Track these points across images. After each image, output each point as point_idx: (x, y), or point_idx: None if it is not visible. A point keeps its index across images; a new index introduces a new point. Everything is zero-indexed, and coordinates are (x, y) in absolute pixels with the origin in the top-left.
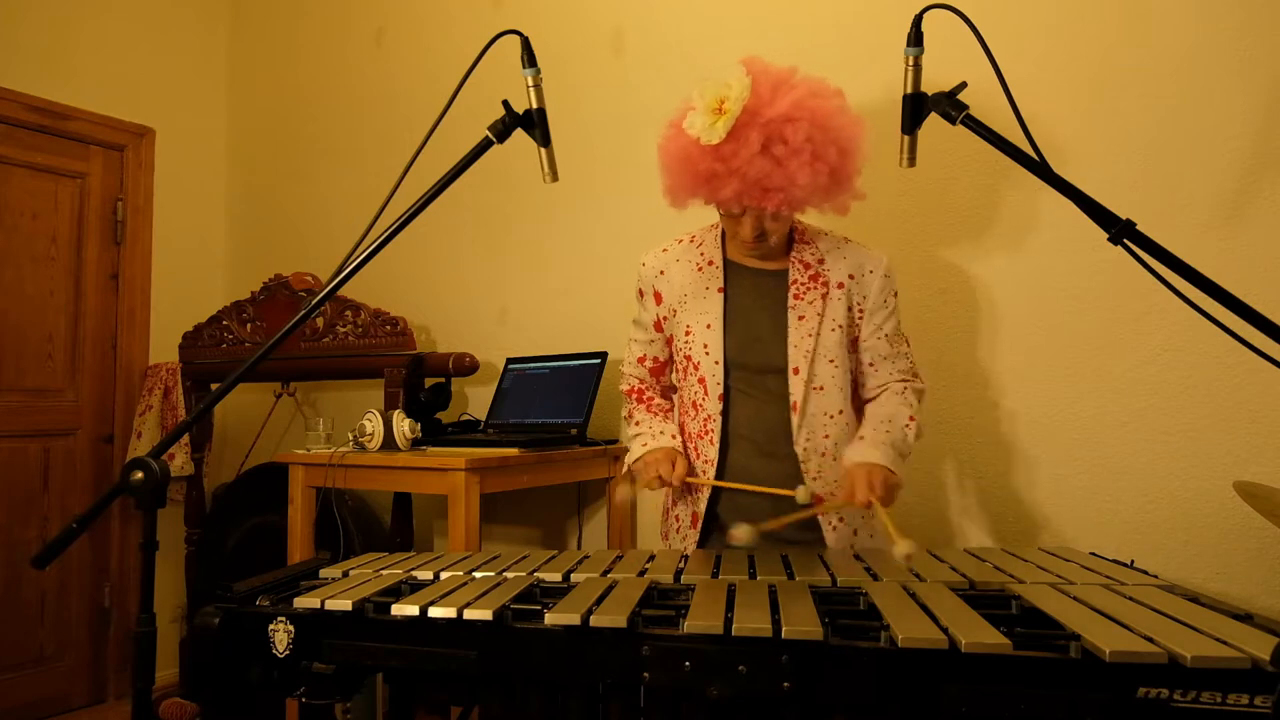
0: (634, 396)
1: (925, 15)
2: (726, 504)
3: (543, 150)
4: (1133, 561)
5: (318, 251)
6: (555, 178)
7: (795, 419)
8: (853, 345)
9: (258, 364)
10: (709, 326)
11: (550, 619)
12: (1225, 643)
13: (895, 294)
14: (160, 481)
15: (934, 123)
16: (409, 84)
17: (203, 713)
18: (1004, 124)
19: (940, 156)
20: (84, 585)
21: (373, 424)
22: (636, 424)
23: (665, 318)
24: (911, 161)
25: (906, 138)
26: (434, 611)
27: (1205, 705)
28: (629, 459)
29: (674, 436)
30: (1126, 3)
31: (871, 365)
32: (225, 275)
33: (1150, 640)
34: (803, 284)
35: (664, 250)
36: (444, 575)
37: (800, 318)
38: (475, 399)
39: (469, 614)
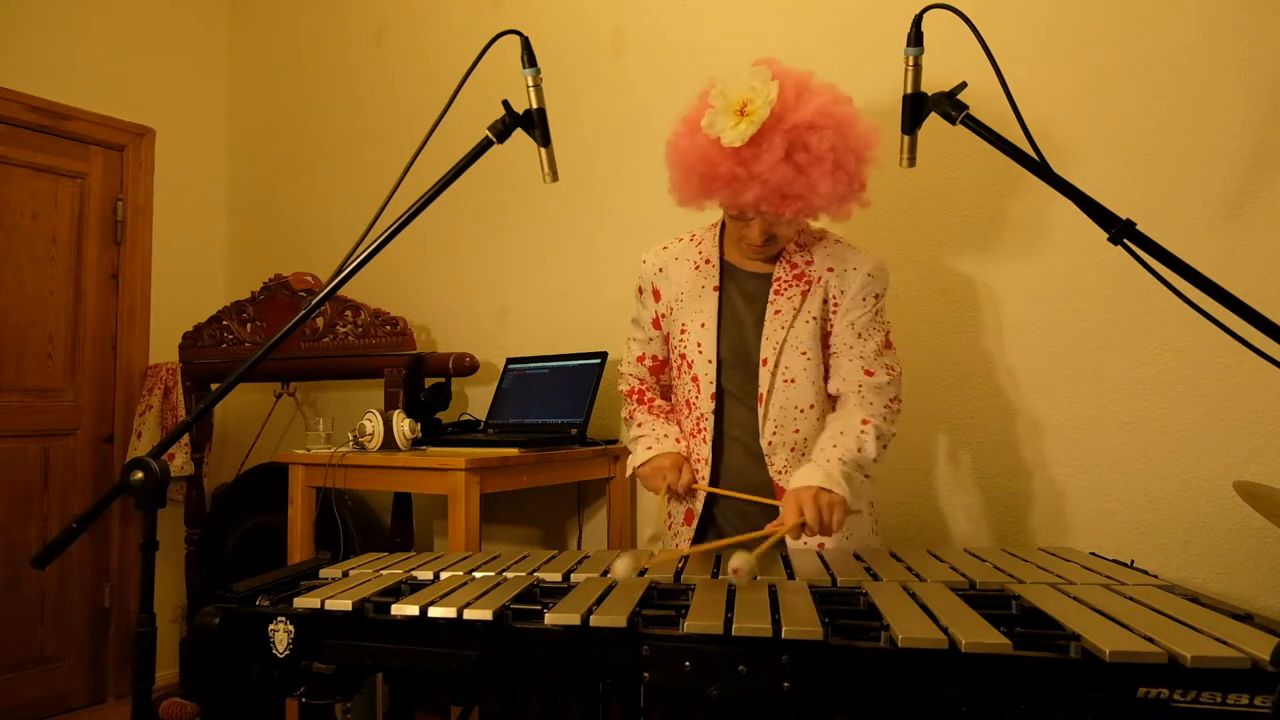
0: (634, 397)
1: (925, 15)
2: (724, 503)
3: (542, 150)
4: (1133, 561)
5: (318, 251)
6: (555, 178)
7: (761, 410)
8: (826, 339)
9: (258, 364)
10: (703, 326)
11: (550, 619)
12: (1225, 643)
13: (878, 296)
14: (160, 481)
15: (934, 123)
16: (409, 84)
17: (203, 713)
18: (1004, 124)
19: (940, 157)
20: (84, 585)
21: (373, 424)
22: (638, 425)
23: (663, 315)
24: (911, 162)
25: (906, 138)
26: (434, 611)
27: (1205, 705)
28: (632, 462)
29: (677, 440)
30: (1126, 3)
31: (835, 354)
32: (225, 275)
33: (1150, 640)
34: (785, 281)
35: (664, 248)
36: (444, 575)
37: (777, 312)
38: (475, 399)
39: (469, 614)
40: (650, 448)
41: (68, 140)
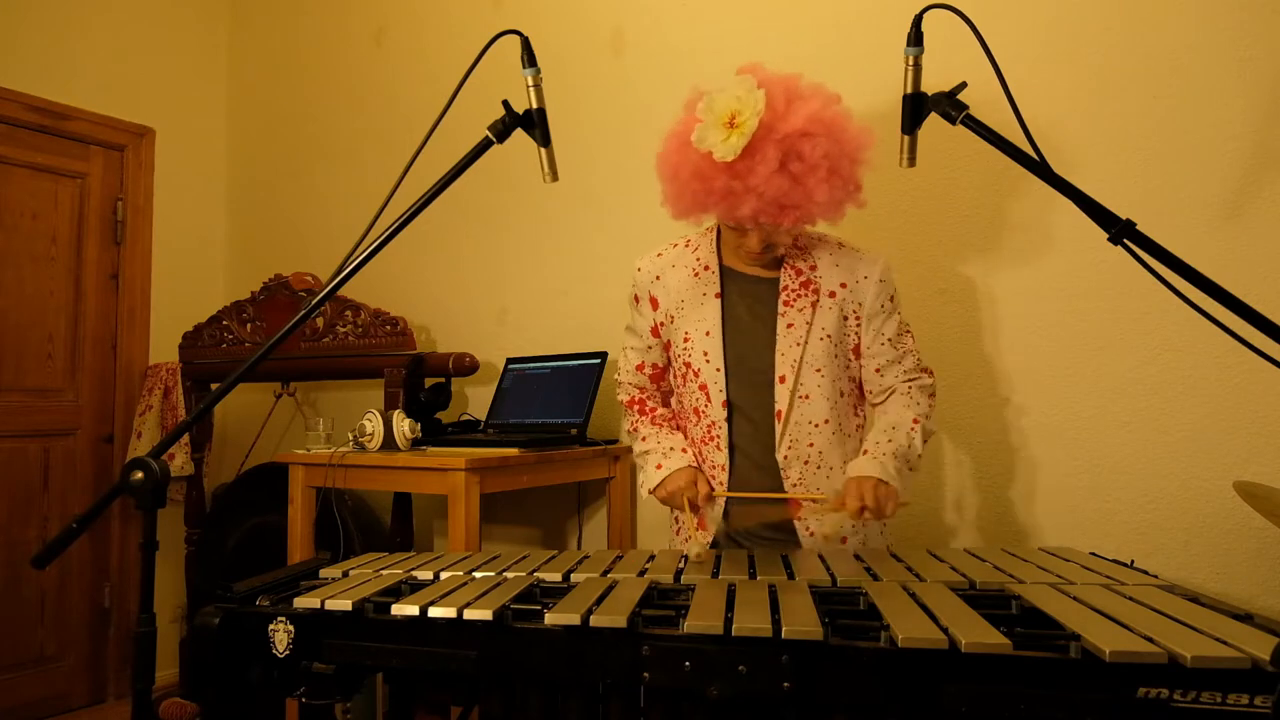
0: (636, 408)
1: (925, 15)
2: (737, 512)
3: (542, 150)
4: (1133, 561)
5: (318, 251)
6: (555, 178)
7: (779, 427)
8: (854, 353)
9: (258, 364)
10: (708, 334)
11: (550, 619)
12: (1225, 643)
13: (892, 298)
14: (160, 481)
15: (934, 123)
16: (409, 84)
17: (203, 713)
18: (1004, 124)
19: (940, 157)
20: (84, 585)
21: (373, 424)
22: (643, 440)
23: (662, 323)
24: (911, 162)
25: (906, 138)
26: (434, 611)
27: (1205, 705)
28: (647, 484)
29: (685, 450)
30: (1126, 3)
31: (878, 371)
32: (225, 275)
33: (1150, 640)
34: (793, 290)
35: (659, 255)
36: (444, 575)
37: (789, 325)
38: (475, 399)
39: (469, 614)
40: (660, 465)
41: (68, 140)
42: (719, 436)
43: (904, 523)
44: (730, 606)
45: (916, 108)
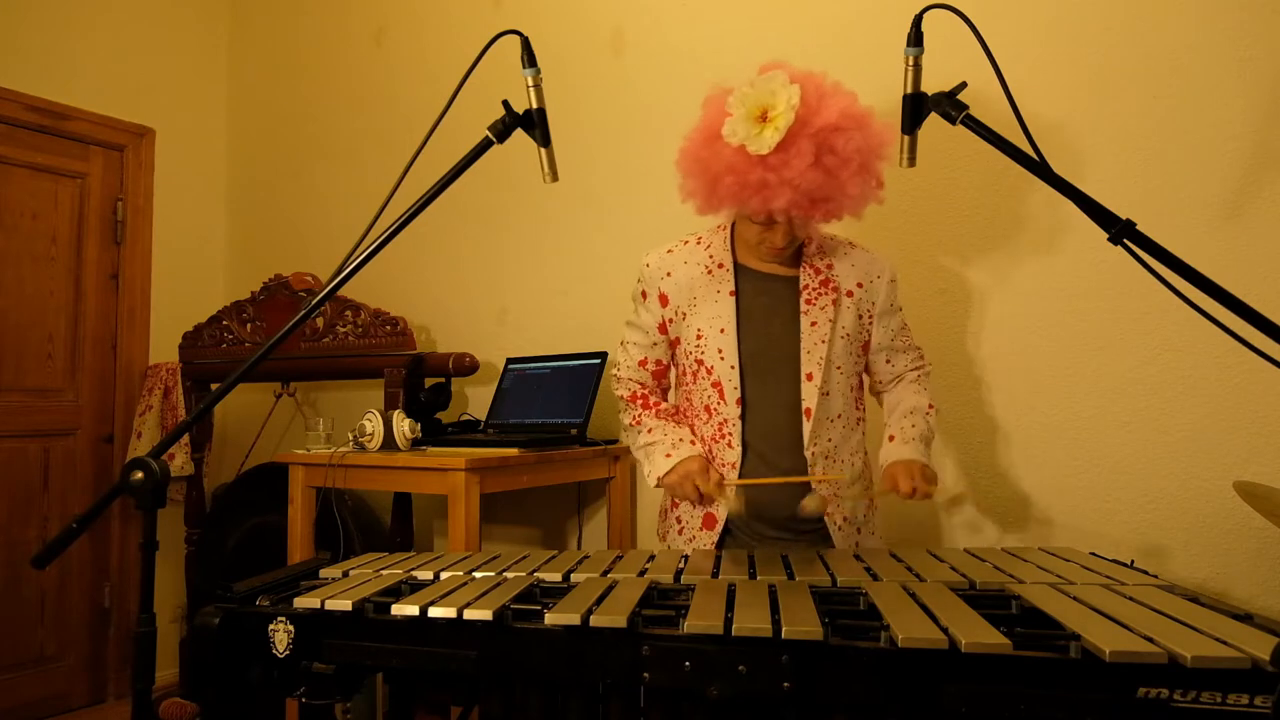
0: (638, 401)
1: (925, 15)
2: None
3: (542, 150)
4: (1133, 561)
5: (318, 251)
6: (555, 178)
7: (808, 425)
8: (862, 349)
9: (258, 364)
10: (722, 330)
11: (550, 619)
12: (1225, 643)
13: (897, 295)
14: (160, 481)
15: (934, 123)
16: (409, 84)
17: (203, 713)
18: (1004, 124)
19: (940, 157)
20: (84, 585)
21: (373, 424)
22: (648, 431)
23: (671, 320)
24: (911, 162)
25: (906, 138)
26: (434, 611)
27: (1205, 705)
28: (655, 471)
29: (693, 441)
30: (1126, 3)
31: (889, 362)
32: (225, 275)
33: (1150, 640)
34: (814, 289)
35: (669, 251)
36: (444, 575)
37: (813, 324)
38: (475, 399)
39: (469, 614)
40: (669, 454)
41: (68, 140)
42: (731, 434)
43: (904, 523)
44: (730, 606)
45: (916, 108)
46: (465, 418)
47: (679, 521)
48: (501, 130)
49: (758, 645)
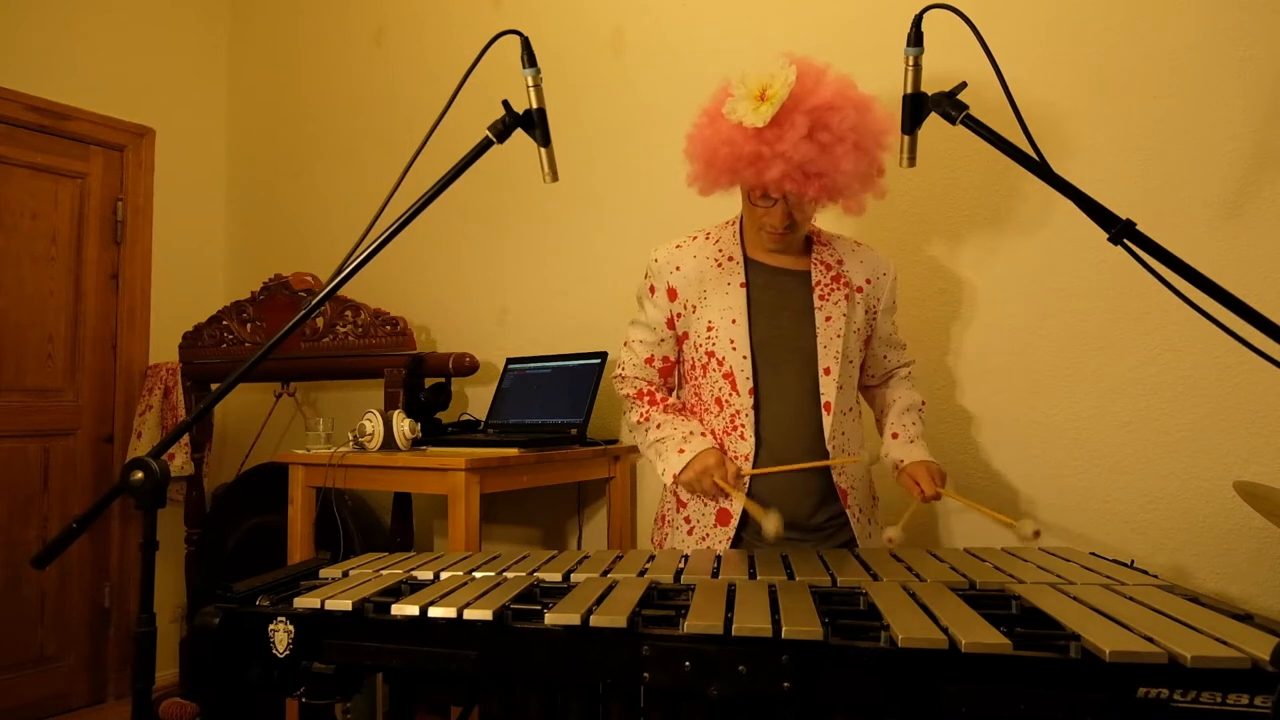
0: (645, 399)
1: (925, 15)
2: (757, 498)
3: (542, 150)
4: (1133, 561)
5: (318, 251)
6: (555, 178)
7: (829, 419)
8: (865, 343)
9: (258, 364)
10: (734, 322)
11: (550, 619)
12: (1225, 643)
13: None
14: (160, 481)
15: (934, 123)
16: (409, 84)
17: (203, 713)
18: (1004, 124)
19: (940, 157)
20: (84, 585)
21: (373, 424)
22: (658, 428)
23: (679, 314)
24: (911, 162)
25: (906, 138)
26: (434, 611)
27: (1205, 705)
28: (669, 469)
29: (704, 434)
30: (1126, 3)
31: (885, 357)
32: (225, 275)
33: (1150, 640)
34: (826, 285)
35: (677, 246)
36: (444, 575)
37: (827, 319)
38: (475, 399)
39: (469, 614)
40: (683, 450)
41: (68, 140)
42: (744, 425)
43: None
44: (730, 606)
45: (916, 108)
46: (465, 418)
47: (687, 521)
48: (501, 130)
49: (758, 645)
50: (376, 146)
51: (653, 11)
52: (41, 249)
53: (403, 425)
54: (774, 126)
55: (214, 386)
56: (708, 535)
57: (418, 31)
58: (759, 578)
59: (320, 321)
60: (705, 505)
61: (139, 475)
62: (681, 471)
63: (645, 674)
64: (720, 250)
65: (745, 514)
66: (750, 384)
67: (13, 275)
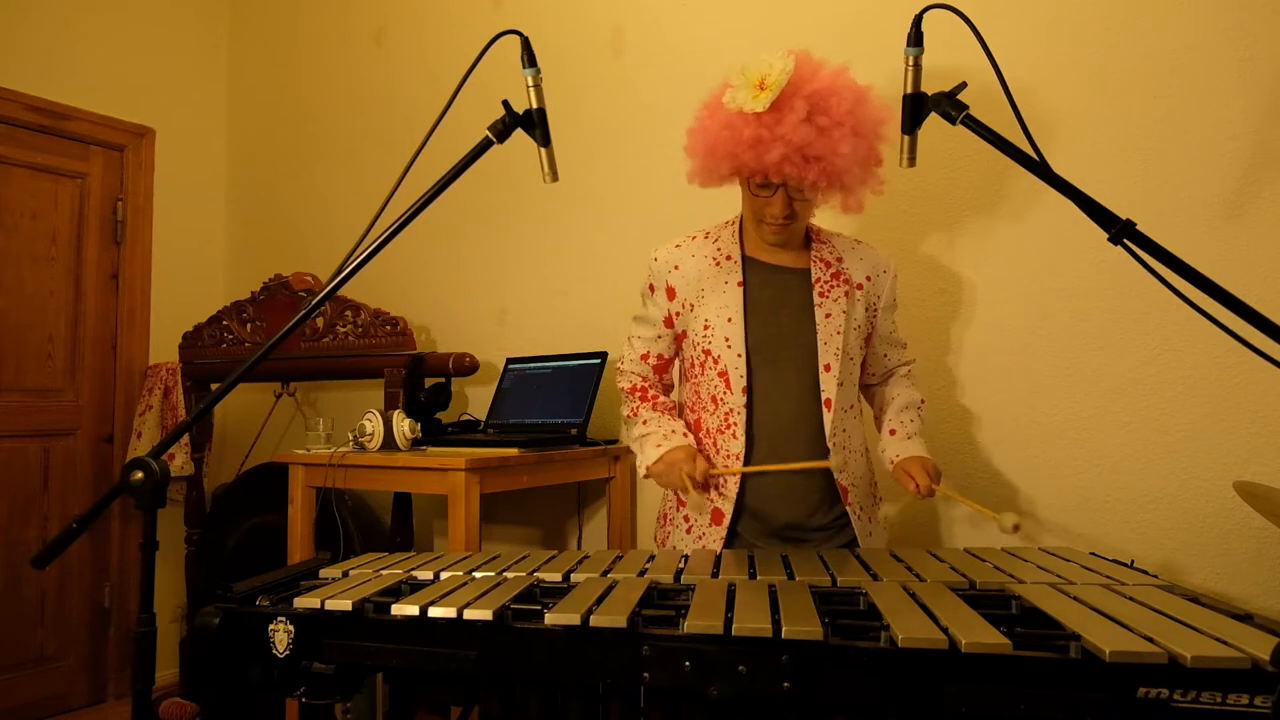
0: (637, 394)
1: (925, 15)
2: (754, 496)
3: (542, 150)
4: (1133, 561)
5: (318, 251)
6: (555, 178)
7: (830, 416)
8: (865, 341)
9: (258, 364)
10: (730, 320)
11: (550, 619)
12: (1225, 643)
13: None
14: (160, 481)
15: (934, 123)
16: (409, 84)
17: (203, 713)
18: (1004, 124)
19: (940, 157)
20: (84, 585)
21: (373, 424)
22: (643, 423)
23: (678, 313)
24: (911, 161)
25: (906, 138)
26: (434, 611)
27: (1205, 705)
28: (645, 461)
29: (685, 435)
30: (1126, 3)
31: (885, 355)
32: (225, 275)
33: (1150, 640)
34: (826, 282)
35: (677, 245)
36: (444, 575)
37: (827, 315)
38: (475, 399)
39: (469, 614)
40: (660, 445)
41: (68, 140)
42: (736, 424)
43: (904, 522)
44: (730, 606)
45: (916, 108)
46: (465, 418)
47: (686, 520)
48: (501, 130)
49: (758, 645)
50: (376, 146)
51: (653, 11)
52: (41, 249)
53: (403, 425)
54: (773, 111)
55: (214, 386)
56: (704, 534)
57: (418, 31)
58: (759, 578)
59: (320, 321)
60: (702, 507)
61: (139, 475)
62: (654, 463)
63: (645, 674)
64: (719, 249)
65: (738, 513)
66: (744, 382)
67: (13, 275)
